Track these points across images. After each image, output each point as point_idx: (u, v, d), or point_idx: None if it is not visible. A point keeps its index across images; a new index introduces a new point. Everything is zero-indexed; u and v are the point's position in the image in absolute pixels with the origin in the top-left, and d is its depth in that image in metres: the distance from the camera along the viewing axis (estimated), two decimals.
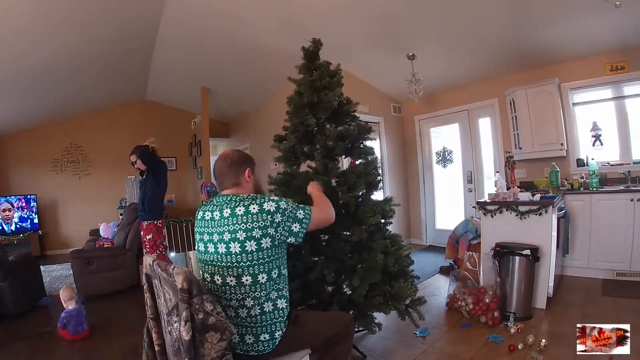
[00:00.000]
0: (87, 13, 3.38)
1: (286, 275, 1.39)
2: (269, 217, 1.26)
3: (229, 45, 4.19)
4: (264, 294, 1.27)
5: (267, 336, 1.28)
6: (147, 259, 1.34)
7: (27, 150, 6.14)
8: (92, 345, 2.45)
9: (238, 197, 1.32)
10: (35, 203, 5.81)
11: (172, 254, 4.42)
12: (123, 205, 6.37)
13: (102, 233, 4.84)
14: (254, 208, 1.26)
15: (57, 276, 4.41)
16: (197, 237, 1.39)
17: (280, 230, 1.28)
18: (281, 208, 1.29)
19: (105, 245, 3.92)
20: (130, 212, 4.42)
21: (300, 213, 1.34)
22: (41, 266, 3.66)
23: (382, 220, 2.10)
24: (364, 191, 2.04)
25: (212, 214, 1.33)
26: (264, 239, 1.25)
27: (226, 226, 1.27)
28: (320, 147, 2.00)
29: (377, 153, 4.90)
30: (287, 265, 1.40)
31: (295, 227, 1.31)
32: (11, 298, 2.90)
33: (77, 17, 3.41)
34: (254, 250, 1.25)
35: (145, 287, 1.36)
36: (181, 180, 7.55)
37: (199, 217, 1.39)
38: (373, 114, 4.83)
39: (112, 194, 6.61)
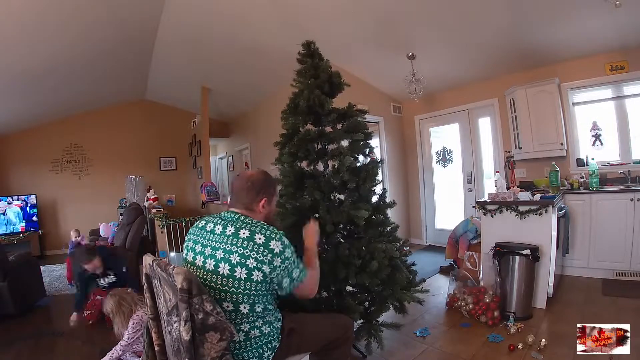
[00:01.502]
0: (87, 13, 3.38)
1: (272, 307, 1.29)
2: (269, 255, 1.18)
3: (229, 45, 4.19)
4: (246, 321, 1.21)
5: (255, 358, 1.24)
6: (147, 259, 1.34)
7: (27, 150, 6.14)
8: (92, 345, 2.45)
9: (247, 220, 1.27)
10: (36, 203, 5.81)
11: (172, 254, 4.42)
12: (123, 205, 6.37)
13: (102, 233, 4.85)
14: (259, 238, 1.19)
15: (57, 276, 4.41)
16: (190, 244, 1.31)
17: (273, 274, 1.20)
18: (284, 255, 1.22)
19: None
20: (130, 212, 4.42)
21: (295, 273, 1.27)
22: (41, 266, 3.66)
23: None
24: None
25: (214, 227, 1.27)
26: (255, 271, 1.17)
27: (223, 244, 1.21)
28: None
29: (377, 153, 4.95)
30: (275, 300, 1.32)
31: (286, 282, 1.25)
32: (11, 298, 2.90)
33: (77, 17, 3.41)
34: (243, 278, 1.16)
35: (145, 287, 1.36)
36: (181, 180, 7.56)
37: (200, 225, 1.34)
38: (373, 114, 4.82)
39: (112, 194, 6.61)
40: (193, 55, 4.66)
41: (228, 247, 1.20)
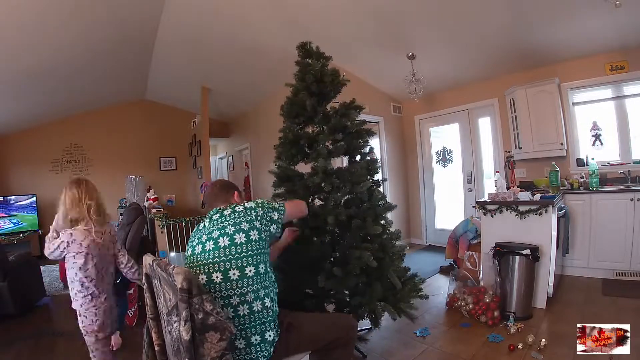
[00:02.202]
0: (87, 13, 3.37)
1: (273, 276, 1.43)
2: (252, 212, 1.41)
3: (229, 45, 4.18)
4: (251, 289, 1.28)
5: (258, 338, 1.27)
6: (147, 259, 1.34)
7: (27, 150, 6.14)
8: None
9: (227, 205, 1.48)
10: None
11: (172, 254, 4.42)
12: (123, 205, 6.37)
13: None
14: (239, 208, 1.43)
15: (57, 276, 4.41)
16: (188, 246, 1.45)
17: (263, 221, 1.41)
18: (259, 203, 1.47)
19: None
20: (130, 212, 4.41)
21: (276, 204, 1.52)
22: (41, 266, 3.66)
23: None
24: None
25: (204, 223, 1.45)
26: (252, 231, 1.35)
27: (215, 226, 1.38)
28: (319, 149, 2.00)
29: (377, 153, 4.95)
30: (272, 267, 1.45)
31: (274, 215, 1.46)
32: (11, 298, 2.90)
33: (77, 17, 3.41)
34: (243, 242, 1.32)
35: (145, 287, 1.36)
36: (181, 180, 7.55)
37: (194, 232, 1.48)
38: (373, 114, 4.83)
39: (112, 194, 6.59)
40: (193, 55, 4.65)
41: (220, 225, 1.37)
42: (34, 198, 5.85)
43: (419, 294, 2.09)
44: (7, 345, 2.48)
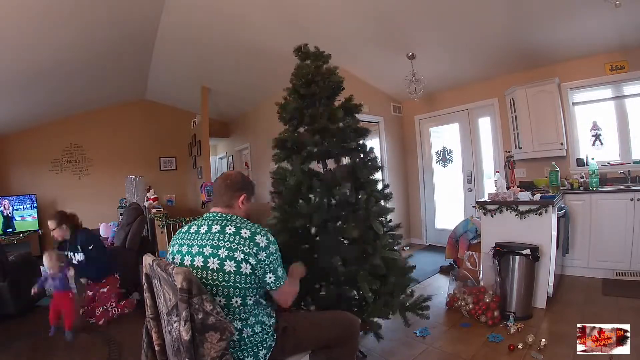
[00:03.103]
0: (87, 13, 3.37)
1: (264, 302, 1.33)
2: (254, 248, 1.22)
3: (229, 45, 4.18)
4: (237, 317, 1.22)
5: (250, 359, 1.25)
6: (147, 259, 1.34)
7: (27, 150, 6.13)
8: (92, 344, 2.45)
9: (230, 217, 1.32)
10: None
11: None
12: (123, 205, 6.36)
13: (102, 233, 4.84)
14: (245, 233, 1.24)
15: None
16: (175, 248, 1.33)
17: (258, 267, 1.23)
18: (269, 250, 1.25)
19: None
20: (130, 212, 4.42)
21: (280, 271, 1.30)
22: (41, 266, 3.66)
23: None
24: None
25: (199, 228, 1.31)
26: (244, 263, 1.20)
27: (210, 240, 1.24)
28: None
29: (377, 153, 4.94)
30: (265, 298, 1.34)
31: (269, 277, 1.26)
32: (11, 298, 2.91)
33: (77, 17, 3.41)
34: (232, 272, 1.20)
35: (145, 287, 1.36)
36: (181, 180, 7.55)
37: (184, 230, 1.37)
38: (373, 114, 4.83)
39: (112, 194, 6.60)
40: (193, 55, 4.65)
41: (215, 242, 1.23)
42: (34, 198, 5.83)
43: (420, 312, 2.07)
44: (6, 345, 2.48)
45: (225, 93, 5.95)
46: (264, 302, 1.33)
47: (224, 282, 1.20)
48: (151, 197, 5.51)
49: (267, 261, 1.25)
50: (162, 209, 4.82)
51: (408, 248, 5.03)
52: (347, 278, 1.87)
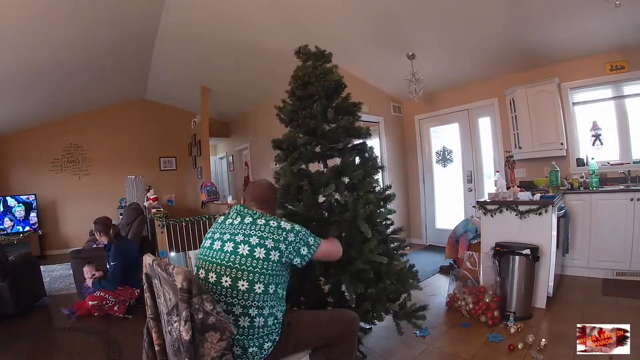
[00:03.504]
0: (87, 13, 3.37)
1: (283, 297, 1.39)
2: (283, 233, 1.35)
3: (229, 45, 4.18)
4: (255, 305, 1.25)
5: (255, 349, 1.26)
6: (147, 259, 1.34)
7: (27, 150, 6.14)
8: (92, 344, 2.45)
9: (262, 213, 1.44)
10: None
11: (172, 254, 4.42)
12: (123, 205, 6.37)
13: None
14: (273, 223, 1.37)
15: (57, 276, 4.41)
16: (207, 237, 1.43)
17: (290, 248, 1.35)
18: (295, 229, 1.39)
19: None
20: (130, 212, 4.42)
21: (311, 240, 1.43)
22: (41, 266, 3.66)
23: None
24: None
25: (233, 220, 1.42)
26: (273, 251, 1.30)
27: (242, 230, 1.35)
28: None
29: (377, 153, 4.94)
30: (286, 288, 1.41)
31: (304, 250, 1.39)
32: (11, 298, 2.90)
33: (77, 17, 3.41)
34: (261, 258, 1.28)
35: (145, 287, 1.36)
36: (181, 180, 7.56)
37: (219, 221, 1.47)
38: (373, 114, 4.83)
39: (112, 194, 6.61)
40: (193, 55, 4.66)
41: (247, 231, 1.34)
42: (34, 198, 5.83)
43: (415, 320, 2.03)
44: (6, 345, 2.47)
45: (225, 93, 5.95)
46: (283, 295, 1.38)
47: (250, 267, 1.26)
48: (151, 197, 5.51)
49: (297, 239, 1.37)
50: (162, 209, 4.82)
51: (408, 248, 5.03)
52: (335, 281, 1.86)
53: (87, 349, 2.40)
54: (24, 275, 3.17)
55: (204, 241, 1.44)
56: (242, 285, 1.25)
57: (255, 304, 1.25)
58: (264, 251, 1.28)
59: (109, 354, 2.28)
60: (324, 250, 1.46)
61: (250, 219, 1.38)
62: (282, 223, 1.38)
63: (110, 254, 2.99)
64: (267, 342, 1.28)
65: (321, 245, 1.45)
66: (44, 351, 2.41)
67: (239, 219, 1.40)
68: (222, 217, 1.49)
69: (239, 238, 1.32)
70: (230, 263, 1.27)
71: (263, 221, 1.37)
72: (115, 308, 2.91)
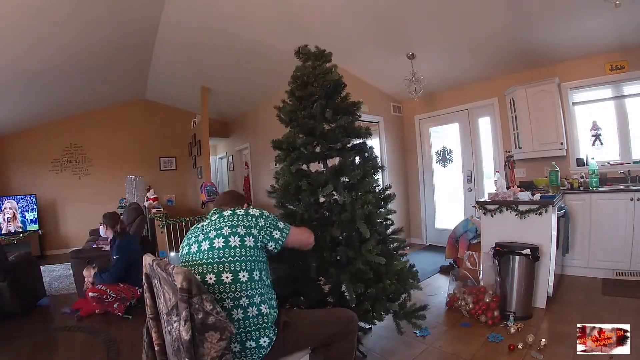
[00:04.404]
0: (87, 13, 3.37)
1: (268, 282, 1.41)
2: (253, 219, 1.40)
3: (229, 45, 4.18)
4: (244, 294, 1.26)
5: (252, 343, 1.26)
6: (147, 259, 1.34)
7: (27, 150, 6.14)
8: (92, 344, 2.45)
9: (228, 209, 1.47)
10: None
11: (172, 254, 4.42)
12: (123, 205, 6.37)
13: (102, 233, 4.83)
14: (239, 211, 1.42)
15: (57, 276, 4.41)
16: (184, 243, 1.44)
17: (262, 233, 1.39)
18: (264, 215, 1.44)
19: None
20: (130, 212, 4.42)
21: (280, 224, 1.47)
22: (41, 266, 3.67)
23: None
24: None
25: (201, 222, 1.48)
26: (247, 237, 1.34)
27: (213, 226, 1.38)
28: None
29: (377, 153, 4.94)
30: (269, 274, 1.44)
31: (276, 234, 1.43)
32: (11, 298, 2.90)
33: (77, 17, 3.41)
34: (237, 246, 1.31)
35: (144, 287, 1.36)
36: (181, 180, 7.56)
37: (192, 229, 1.49)
38: (373, 114, 4.83)
39: (112, 194, 6.61)
40: (193, 55, 4.65)
41: (218, 225, 1.37)
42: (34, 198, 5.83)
43: (415, 320, 2.04)
44: (7, 345, 2.48)
45: (225, 93, 5.95)
46: (269, 284, 1.40)
47: (230, 258, 1.28)
48: (151, 197, 5.51)
49: (267, 223, 1.41)
50: (162, 209, 4.82)
51: (408, 248, 5.03)
52: (335, 281, 1.86)
53: (87, 349, 2.40)
54: (24, 275, 3.17)
55: (180, 249, 1.46)
56: (227, 277, 1.26)
57: (244, 293, 1.26)
58: (238, 239, 1.32)
59: (108, 354, 2.28)
60: (295, 235, 1.51)
61: (217, 215, 1.43)
62: (250, 210, 1.44)
63: (114, 246, 3.07)
64: (263, 337, 1.27)
65: (292, 229, 1.50)
66: (44, 351, 2.41)
67: (207, 220, 1.46)
68: (193, 227, 1.53)
69: (212, 234, 1.34)
70: (210, 259, 1.29)
71: (229, 212, 1.42)
72: (115, 305, 2.91)
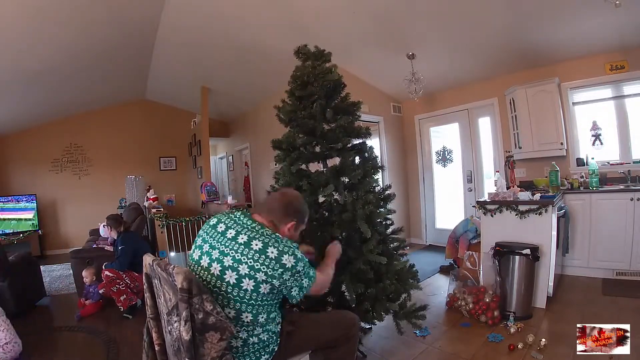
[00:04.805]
0: (86, 13, 3.37)
1: (276, 316, 1.29)
2: (280, 270, 1.17)
3: (229, 45, 4.18)
4: (245, 329, 1.21)
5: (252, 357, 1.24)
6: (147, 259, 1.34)
7: (27, 150, 6.14)
8: (92, 344, 2.45)
9: (263, 230, 1.24)
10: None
11: (172, 254, 4.42)
12: (123, 205, 6.37)
13: (102, 233, 4.83)
14: (272, 252, 1.17)
15: (57, 276, 4.41)
16: (199, 241, 1.30)
17: (282, 286, 1.21)
18: (296, 269, 1.20)
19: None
20: (130, 212, 4.42)
21: (305, 282, 1.25)
22: (41, 266, 3.67)
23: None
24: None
25: (226, 230, 1.25)
26: (263, 284, 1.16)
27: (232, 251, 1.19)
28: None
29: (377, 153, 4.93)
30: (278, 307, 1.32)
31: (295, 291, 1.24)
32: (11, 298, 2.90)
33: (77, 17, 3.41)
34: (250, 290, 1.16)
35: (145, 287, 1.36)
36: (181, 180, 7.56)
37: (212, 223, 1.32)
38: (373, 114, 4.83)
39: (112, 194, 6.61)
40: (193, 55, 4.65)
41: (238, 256, 1.17)
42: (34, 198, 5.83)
43: (415, 320, 2.04)
44: None
45: (225, 93, 5.95)
46: (275, 314, 1.29)
47: (237, 297, 1.16)
48: (151, 197, 5.52)
49: (292, 279, 1.21)
50: (162, 209, 4.82)
51: (408, 248, 5.03)
52: (335, 281, 1.85)
53: (87, 349, 2.40)
54: (24, 275, 3.17)
55: (194, 246, 1.31)
56: (229, 312, 1.17)
57: (244, 329, 1.21)
58: (253, 283, 1.15)
59: (108, 354, 2.28)
60: (314, 289, 1.33)
61: (245, 239, 1.20)
62: (285, 257, 1.17)
63: (118, 241, 3.15)
64: (263, 355, 1.26)
65: (312, 288, 1.30)
66: (44, 351, 2.41)
67: (232, 233, 1.23)
68: (215, 219, 1.33)
69: (228, 261, 1.17)
70: (216, 288, 1.17)
71: (260, 246, 1.18)
72: (122, 298, 2.93)
